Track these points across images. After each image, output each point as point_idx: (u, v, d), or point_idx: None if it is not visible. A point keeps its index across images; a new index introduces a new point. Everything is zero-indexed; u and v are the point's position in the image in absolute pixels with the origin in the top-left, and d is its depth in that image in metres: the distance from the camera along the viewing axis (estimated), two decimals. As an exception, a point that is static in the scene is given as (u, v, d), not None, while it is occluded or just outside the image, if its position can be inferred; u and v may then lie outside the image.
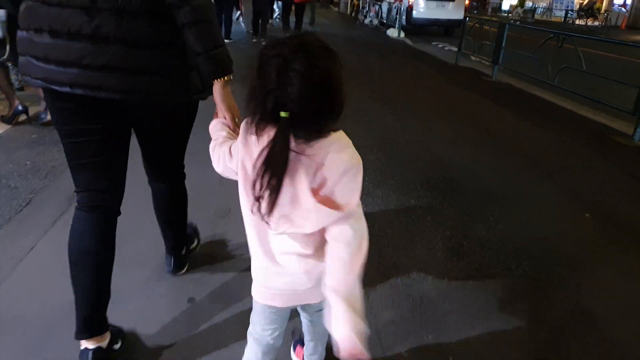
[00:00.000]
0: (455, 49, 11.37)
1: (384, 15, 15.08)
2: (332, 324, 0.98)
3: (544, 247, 2.40)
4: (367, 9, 16.30)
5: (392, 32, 12.91)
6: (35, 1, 1.25)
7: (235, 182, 1.10)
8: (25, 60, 1.32)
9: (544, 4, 29.10)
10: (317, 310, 1.26)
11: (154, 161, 1.66)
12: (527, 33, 8.09)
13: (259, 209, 0.97)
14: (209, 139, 1.26)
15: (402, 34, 12.74)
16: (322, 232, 1.03)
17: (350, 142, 1.02)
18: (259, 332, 1.27)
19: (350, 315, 0.97)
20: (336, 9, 24.12)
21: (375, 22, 15.22)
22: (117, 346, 1.56)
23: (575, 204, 2.94)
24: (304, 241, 1.06)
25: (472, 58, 8.34)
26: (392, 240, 2.36)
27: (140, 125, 1.50)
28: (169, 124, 1.53)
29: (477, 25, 8.18)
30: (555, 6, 26.75)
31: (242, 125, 1.02)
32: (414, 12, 13.44)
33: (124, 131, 1.48)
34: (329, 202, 0.97)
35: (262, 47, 0.94)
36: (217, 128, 1.27)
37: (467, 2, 14.04)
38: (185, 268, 2.04)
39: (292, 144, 0.93)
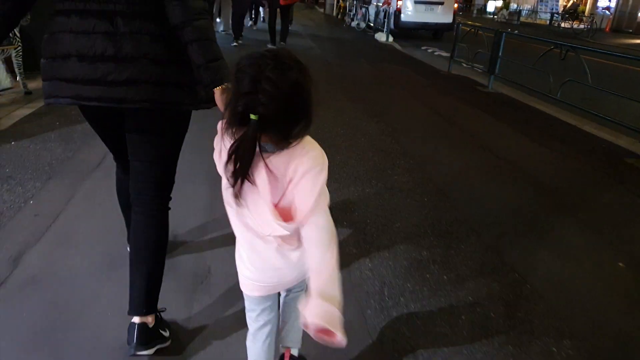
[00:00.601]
0: (446, 54, 11.13)
1: (371, 18, 14.74)
2: (304, 307, 1.02)
3: (585, 315, 2.03)
4: (354, 11, 15.91)
5: (380, 36, 12.56)
6: (61, 31, 1.42)
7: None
8: (52, 84, 1.47)
9: (529, 6, 29.11)
10: (296, 291, 1.40)
11: (147, 169, 1.64)
12: (522, 37, 7.79)
13: (233, 193, 1.07)
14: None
15: (391, 38, 12.40)
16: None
17: (314, 144, 1.09)
18: (253, 319, 1.35)
19: (320, 302, 1.00)
20: (321, 10, 23.68)
21: (362, 25, 14.85)
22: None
23: (604, 250, 2.60)
24: (285, 240, 1.14)
25: (464, 65, 8.03)
26: (407, 314, 1.96)
27: (148, 129, 1.59)
28: (170, 129, 1.63)
29: (471, 31, 7.85)
30: (540, 9, 26.74)
31: (219, 124, 1.10)
32: (402, 15, 13.11)
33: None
34: (285, 212, 1.08)
35: (239, 58, 1.00)
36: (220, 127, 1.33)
37: (455, 6, 13.76)
38: (153, 349, 1.61)
39: (265, 157, 1.03)
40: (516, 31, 7.40)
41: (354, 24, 15.43)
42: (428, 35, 14.66)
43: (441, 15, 13.51)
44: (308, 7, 24.98)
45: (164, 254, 1.68)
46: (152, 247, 1.64)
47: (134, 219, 1.65)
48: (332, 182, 3.18)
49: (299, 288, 1.38)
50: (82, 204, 2.69)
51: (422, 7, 13.33)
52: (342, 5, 18.74)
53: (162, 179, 1.66)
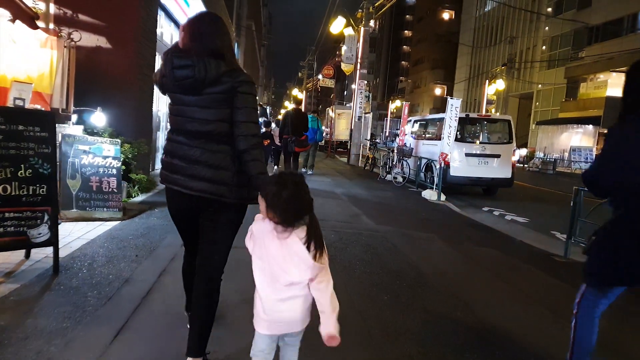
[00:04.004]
0: (521, 219, 8.78)
1: (410, 171, 12.82)
2: (322, 327, 1.94)
3: None
4: (389, 164, 14.09)
5: (431, 195, 10.34)
6: (171, 141, 2.38)
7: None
8: (163, 172, 2.41)
9: (556, 155, 27.95)
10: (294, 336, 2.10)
11: (207, 249, 2.37)
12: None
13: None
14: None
15: (443, 197, 10.17)
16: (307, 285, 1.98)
17: None
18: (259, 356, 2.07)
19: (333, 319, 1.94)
20: (343, 160, 22.34)
21: (400, 179, 12.86)
22: None
23: None
24: (297, 291, 1.97)
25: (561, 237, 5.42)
26: None
27: (210, 215, 2.37)
28: (227, 219, 2.38)
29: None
30: (574, 157, 25.38)
31: (256, 227, 2.03)
32: (450, 169, 11.09)
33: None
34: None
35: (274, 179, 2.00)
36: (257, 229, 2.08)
37: (514, 159, 11.81)
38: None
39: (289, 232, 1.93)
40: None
41: (389, 177, 13.48)
42: (477, 190, 12.58)
43: (497, 170, 11.49)
44: (328, 156, 23.78)
45: (215, 311, 2.35)
46: (208, 306, 2.32)
47: (196, 286, 2.33)
48: None
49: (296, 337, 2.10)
50: None
51: (475, 160, 11.39)
52: (370, 156, 17.17)
53: (218, 257, 2.36)
